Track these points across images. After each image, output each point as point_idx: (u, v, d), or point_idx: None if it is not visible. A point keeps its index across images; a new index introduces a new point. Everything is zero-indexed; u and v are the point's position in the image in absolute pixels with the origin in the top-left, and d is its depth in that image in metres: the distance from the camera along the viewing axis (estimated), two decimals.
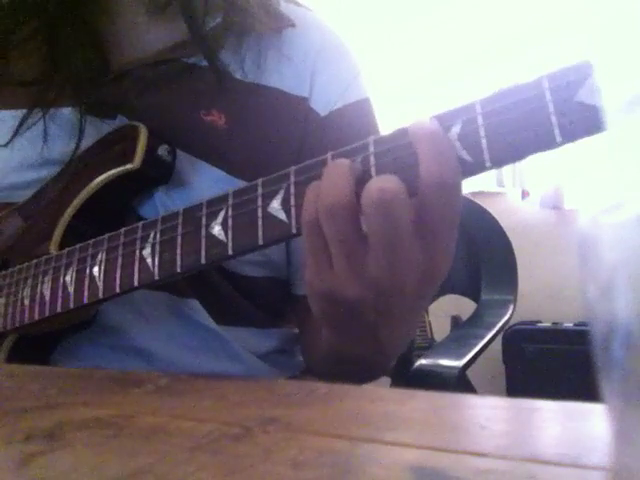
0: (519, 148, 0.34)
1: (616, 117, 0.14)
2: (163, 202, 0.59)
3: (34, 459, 0.24)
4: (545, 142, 0.33)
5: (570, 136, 0.32)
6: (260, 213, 0.40)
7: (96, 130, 0.60)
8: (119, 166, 0.55)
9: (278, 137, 0.61)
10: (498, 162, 0.34)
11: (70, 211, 0.56)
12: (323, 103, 0.63)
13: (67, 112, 0.61)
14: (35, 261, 0.55)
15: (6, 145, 0.60)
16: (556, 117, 0.33)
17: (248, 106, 0.61)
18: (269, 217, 0.40)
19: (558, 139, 0.33)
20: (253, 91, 0.61)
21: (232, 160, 0.59)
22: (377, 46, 2.08)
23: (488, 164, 0.34)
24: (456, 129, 0.35)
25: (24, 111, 0.61)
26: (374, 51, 2.01)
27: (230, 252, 0.42)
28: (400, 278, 0.36)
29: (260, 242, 0.40)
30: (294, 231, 0.39)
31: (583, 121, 0.32)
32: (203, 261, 0.43)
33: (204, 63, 0.61)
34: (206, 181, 0.59)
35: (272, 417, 0.28)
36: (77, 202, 0.56)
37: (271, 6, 0.63)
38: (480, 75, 1.98)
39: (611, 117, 0.14)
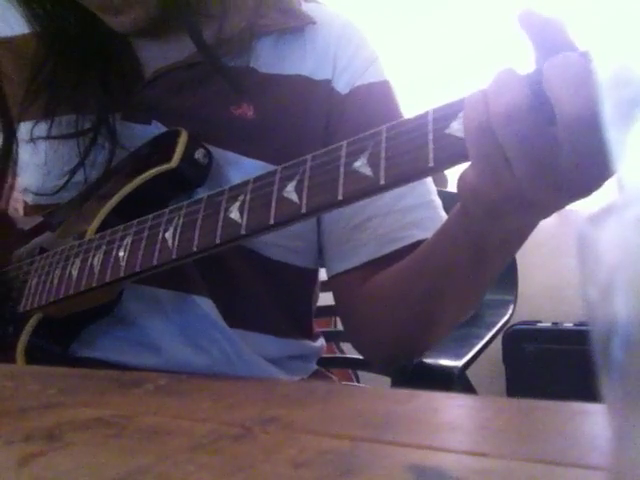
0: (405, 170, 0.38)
1: (616, 119, 0.14)
2: None
3: (34, 459, 0.24)
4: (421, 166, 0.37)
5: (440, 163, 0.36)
6: (275, 195, 0.43)
7: (133, 135, 0.62)
8: (158, 165, 0.58)
9: (305, 120, 0.64)
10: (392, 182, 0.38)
11: (111, 204, 0.59)
12: (344, 82, 0.66)
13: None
14: (70, 244, 0.58)
15: (58, 192, 0.64)
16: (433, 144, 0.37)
17: (275, 95, 0.64)
18: (282, 199, 0.42)
19: (430, 164, 0.36)
20: (278, 81, 0.64)
21: (265, 148, 0.62)
22: (382, 42, 2.08)
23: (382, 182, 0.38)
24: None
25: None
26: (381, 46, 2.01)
27: (243, 231, 0.44)
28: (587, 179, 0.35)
29: (271, 222, 0.43)
30: (304, 211, 0.41)
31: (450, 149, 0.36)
32: (218, 240, 0.45)
33: (232, 63, 0.63)
34: (243, 172, 0.60)
35: (272, 417, 0.28)
36: (117, 198, 0.59)
37: (293, 7, 0.66)
38: (480, 74, 1.98)
39: (611, 118, 0.14)
